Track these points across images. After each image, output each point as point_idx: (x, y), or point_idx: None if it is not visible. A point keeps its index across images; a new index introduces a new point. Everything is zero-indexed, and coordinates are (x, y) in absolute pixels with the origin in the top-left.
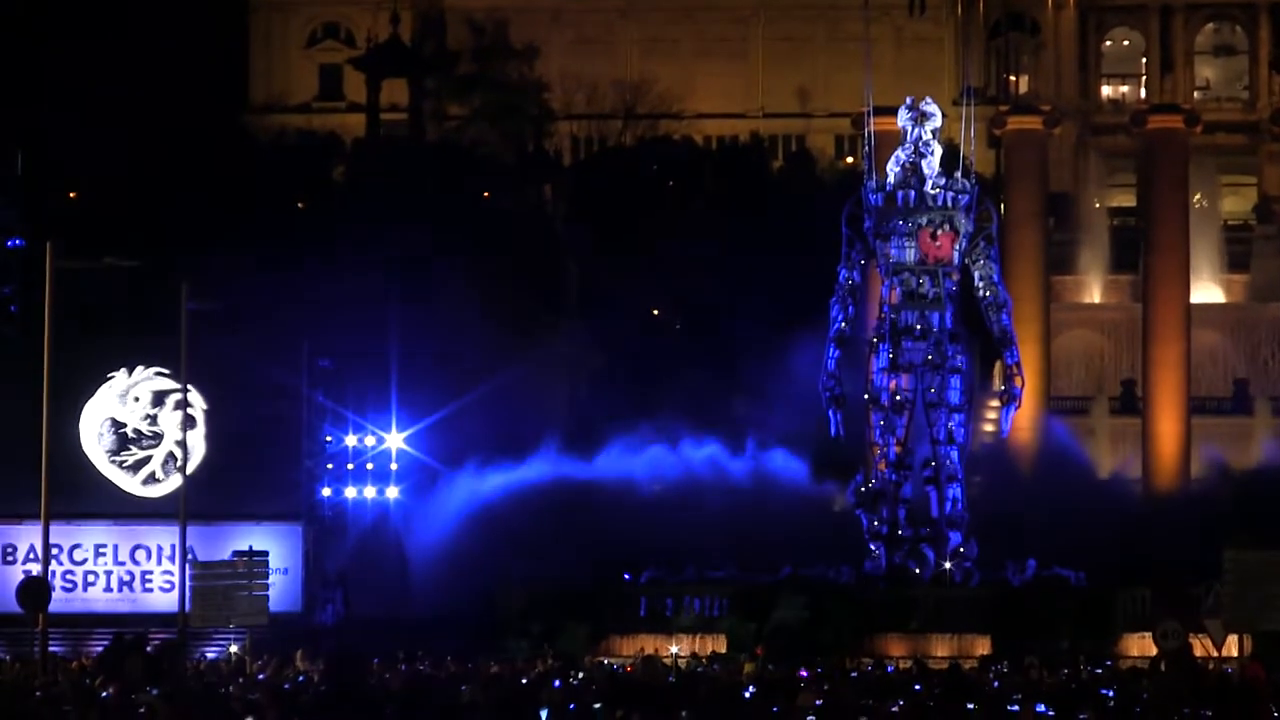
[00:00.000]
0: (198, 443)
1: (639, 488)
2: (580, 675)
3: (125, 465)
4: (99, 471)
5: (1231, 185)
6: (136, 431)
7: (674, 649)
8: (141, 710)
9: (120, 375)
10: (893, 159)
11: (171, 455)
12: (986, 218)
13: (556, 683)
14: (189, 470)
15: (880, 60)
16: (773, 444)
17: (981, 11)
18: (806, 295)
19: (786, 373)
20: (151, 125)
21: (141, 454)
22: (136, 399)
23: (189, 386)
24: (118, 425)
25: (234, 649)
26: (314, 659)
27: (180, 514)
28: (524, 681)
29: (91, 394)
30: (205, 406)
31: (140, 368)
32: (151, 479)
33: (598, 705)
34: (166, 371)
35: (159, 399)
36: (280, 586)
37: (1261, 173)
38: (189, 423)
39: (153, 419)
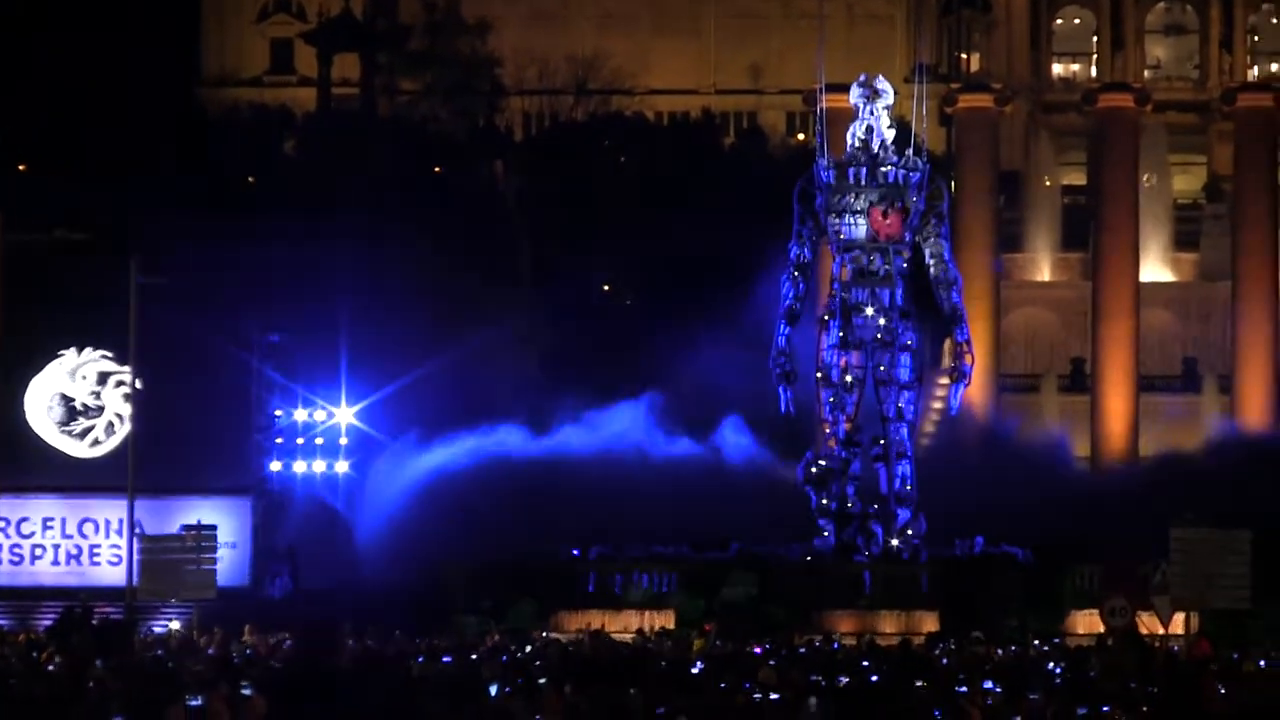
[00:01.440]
0: (141, 416)
1: (589, 463)
2: (528, 650)
3: (73, 434)
4: (47, 443)
5: (1181, 164)
6: (84, 405)
7: (623, 625)
8: (90, 684)
9: (70, 354)
10: (847, 135)
11: (111, 424)
12: (937, 195)
13: (504, 658)
14: (131, 441)
15: (832, 37)
16: (723, 421)
17: None
18: (758, 272)
19: (737, 349)
20: (103, 99)
21: (87, 423)
22: (84, 377)
23: (132, 364)
24: (67, 399)
25: (175, 625)
26: (263, 632)
27: (129, 487)
28: (473, 657)
29: (40, 369)
30: (145, 382)
31: (89, 349)
32: (95, 443)
33: (543, 680)
34: (110, 354)
35: (103, 379)
36: (228, 561)
37: (1211, 152)
38: (137, 395)
39: (97, 394)
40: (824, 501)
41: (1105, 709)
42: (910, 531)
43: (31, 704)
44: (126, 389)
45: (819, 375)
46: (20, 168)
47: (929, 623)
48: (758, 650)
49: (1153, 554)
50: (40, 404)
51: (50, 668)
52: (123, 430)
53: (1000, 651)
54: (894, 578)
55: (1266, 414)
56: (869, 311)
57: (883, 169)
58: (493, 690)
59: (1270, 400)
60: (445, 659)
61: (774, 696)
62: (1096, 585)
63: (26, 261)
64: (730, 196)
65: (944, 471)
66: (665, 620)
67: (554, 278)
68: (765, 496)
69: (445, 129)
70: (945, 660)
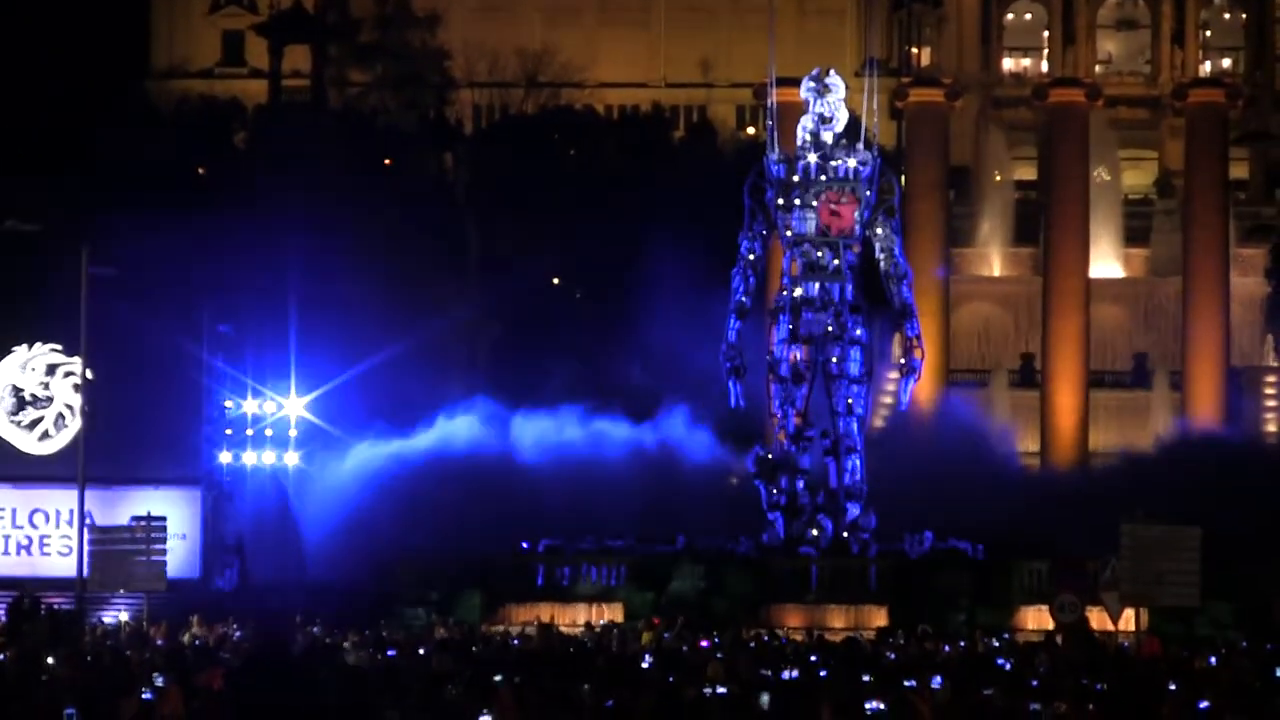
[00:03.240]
0: (91, 407)
1: (538, 456)
2: (476, 644)
3: (22, 425)
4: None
5: (1132, 159)
6: (33, 395)
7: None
8: (44, 677)
9: (21, 349)
10: (798, 129)
11: (61, 415)
12: (888, 190)
13: (451, 652)
14: (81, 433)
15: (783, 31)
16: (673, 414)
17: None
18: (708, 266)
19: (687, 343)
20: (53, 90)
21: (36, 414)
22: (34, 369)
23: (83, 355)
24: (17, 390)
25: (124, 616)
26: (211, 625)
27: (79, 478)
28: (420, 651)
29: None
30: (96, 374)
31: (39, 343)
32: (45, 436)
33: (499, 679)
34: (59, 347)
35: (51, 370)
36: (178, 552)
37: (1162, 147)
38: (86, 388)
39: (46, 385)
40: (773, 495)
41: (1055, 704)
42: (859, 526)
43: None
44: (75, 380)
45: (769, 369)
46: None
47: (878, 617)
48: (705, 644)
49: (1102, 550)
50: None
51: (2, 657)
52: (73, 426)
53: (949, 647)
54: (843, 572)
55: (1217, 410)
56: (819, 306)
57: (833, 163)
58: (450, 689)
59: (1221, 397)
60: (390, 652)
61: (721, 691)
62: (1046, 581)
63: None
64: (680, 190)
65: (893, 466)
66: (614, 613)
67: (503, 270)
68: (715, 491)
69: (395, 121)
70: (894, 655)
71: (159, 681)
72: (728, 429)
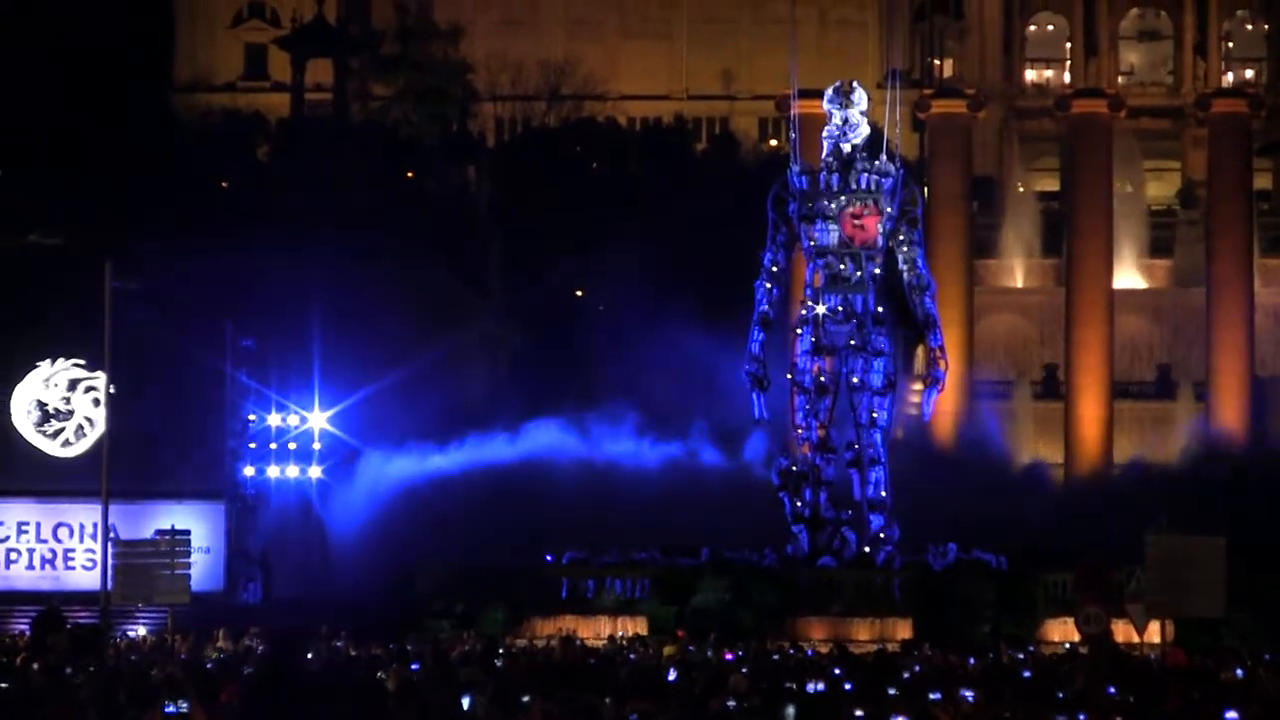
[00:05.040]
0: (113, 420)
1: (561, 469)
2: (500, 656)
3: (47, 434)
4: (25, 441)
5: (1155, 170)
6: (55, 410)
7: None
8: (66, 689)
9: (45, 365)
10: (821, 140)
11: (80, 427)
12: (911, 201)
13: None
14: (104, 444)
15: (804, 43)
16: (696, 426)
17: None
18: (731, 277)
19: (710, 354)
20: (76, 103)
21: (59, 425)
22: (56, 384)
23: (106, 370)
24: (42, 405)
25: (143, 631)
26: (236, 638)
27: (103, 492)
28: (445, 662)
29: (22, 378)
30: (119, 388)
31: (61, 359)
32: (67, 443)
33: (526, 698)
34: (81, 362)
35: (73, 385)
36: (202, 565)
37: (1185, 158)
38: (111, 400)
39: (68, 400)
40: (797, 507)
41: (1080, 717)
42: (884, 537)
43: (8, 708)
44: (96, 394)
45: (792, 381)
46: None
47: (902, 630)
48: (729, 657)
49: (1126, 561)
50: (20, 410)
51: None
52: (93, 434)
53: (974, 659)
54: (867, 584)
55: (1241, 421)
56: (842, 317)
57: (856, 174)
58: (466, 700)
59: (1245, 407)
60: (413, 666)
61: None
62: (1070, 592)
63: (2, 268)
64: (703, 202)
65: (917, 478)
66: (638, 626)
67: (526, 283)
68: (739, 503)
69: (418, 134)
70: (919, 667)
71: (183, 704)
72: (751, 441)
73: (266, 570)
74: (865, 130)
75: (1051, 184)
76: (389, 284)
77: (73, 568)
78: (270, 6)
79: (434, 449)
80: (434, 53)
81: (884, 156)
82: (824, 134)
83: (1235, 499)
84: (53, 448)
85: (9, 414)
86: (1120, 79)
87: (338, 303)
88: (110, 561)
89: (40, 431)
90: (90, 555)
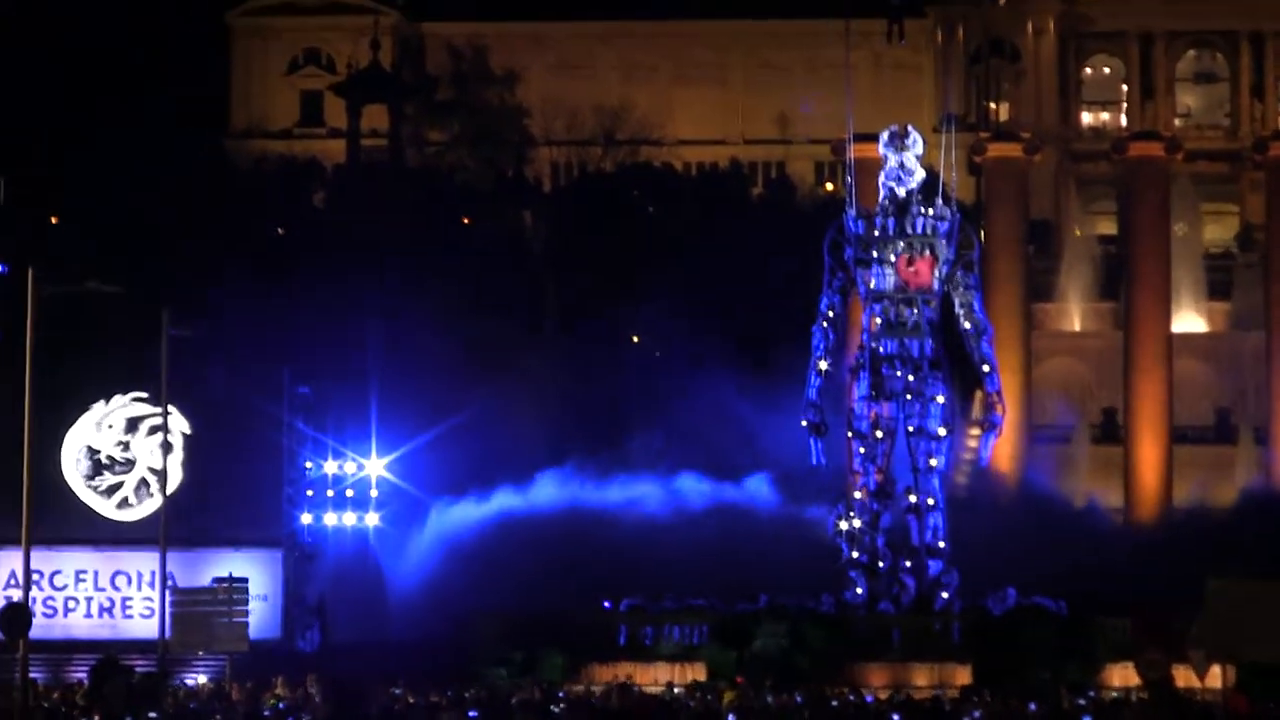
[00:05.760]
0: (174, 468)
1: (619, 515)
2: (560, 704)
3: (100, 490)
4: (78, 497)
5: (1213, 213)
6: (109, 458)
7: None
8: None
9: (99, 404)
10: (878, 185)
11: (144, 481)
12: (967, 245)
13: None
14: (164, 496)
15: (859, 87)
16: (753, 472)
17: (961, 38)
18: (787, 322)
19: (767, 400)
20: (133, 150)
21: (114, 479)
22: (110, 426)
23: (170, 410)
24: (93, 452)
25: (202, 679)
26: (294, 686)
27: (160, 540)
28: (503, 709)
29: (74, 421)
30: (186, 431)
31: (118, 395)
32: (125, 504)
33: None
34: (144, 396)
35: (133, 425)
36: (260, 613)
37: (1243, 200)
38: (167, 448)
39: (125, 445)
40: (854, 554)
41: None
42: (942, 583)
43: None
44: (158, 436)
45: (849, 426)
46: (52, 220)
47: (961, 675)
48: (800, 699)
49: (1186, 605)
50: (71, 457)
51: None
52: (157, 496)
53: (1034, 705)
54: (925, 630)
55: None
56: (899, 362)
57: (911, 219)
58: None
59: None
60: (471, 714)
61: None
62: (1131, 637)
63: (60, 314)
64: (759, 247)
65: (975, 523)
66: (696, 672)
67: (582, 329)
68: (796, 549)
69: (473, 179)
70: (978, 713)
71: None
72: (808, 487)
73: (324, 618)
74: (921, 174)
75: (1109, 227)
76: (445, 330)
77: (130, 616)
78: (326, 53)
79: (492, 496)
80: (489, 98)
81: (940, 200)
82: (880, 178)
83: None
84: (107, 508)
85: (59, 461)
86: (1177, 121)
87: (394, 349)
88: (168, 609)
89: (92, 488)
90: (148, 603)
